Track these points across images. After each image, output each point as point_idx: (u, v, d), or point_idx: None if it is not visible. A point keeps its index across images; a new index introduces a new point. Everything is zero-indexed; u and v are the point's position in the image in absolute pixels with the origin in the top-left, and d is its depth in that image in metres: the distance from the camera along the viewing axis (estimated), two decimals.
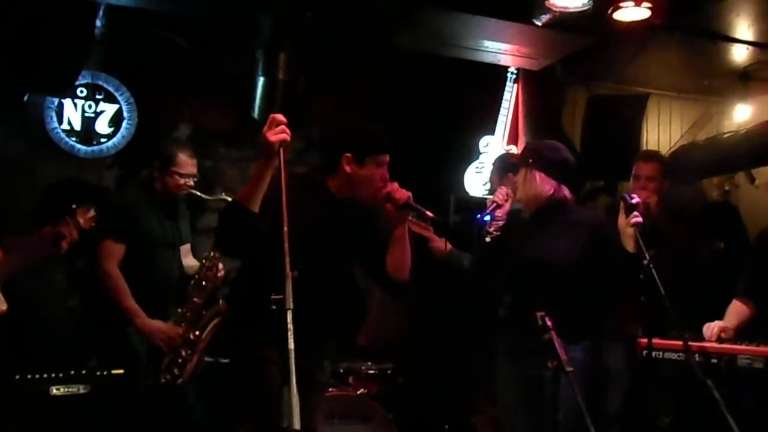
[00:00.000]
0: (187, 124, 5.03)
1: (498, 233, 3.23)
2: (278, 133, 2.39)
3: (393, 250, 2.81)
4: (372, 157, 2.73)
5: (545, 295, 3.05)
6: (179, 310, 3.89)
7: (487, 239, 3.23)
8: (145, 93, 4.87)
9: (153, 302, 3.80)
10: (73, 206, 3.17)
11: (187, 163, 3.93)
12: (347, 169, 2.71)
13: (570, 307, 3.09)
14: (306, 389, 1.95)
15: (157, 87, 4.84)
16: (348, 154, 2.71)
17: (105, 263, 3.71)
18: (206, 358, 4.02)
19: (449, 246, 4.28)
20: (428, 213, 2.72)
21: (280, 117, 2.41)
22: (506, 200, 3.26)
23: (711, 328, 3.34)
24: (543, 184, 3.22)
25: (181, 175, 3.90)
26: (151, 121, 4.89)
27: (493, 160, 4.93)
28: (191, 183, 3.95)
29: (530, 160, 3.23)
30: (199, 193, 3.95)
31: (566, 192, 3.26)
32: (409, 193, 2.76)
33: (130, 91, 4.84)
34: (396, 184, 2.76)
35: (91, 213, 3.22)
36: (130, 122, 4.83)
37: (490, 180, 4.83)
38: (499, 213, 3.24)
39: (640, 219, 3.09)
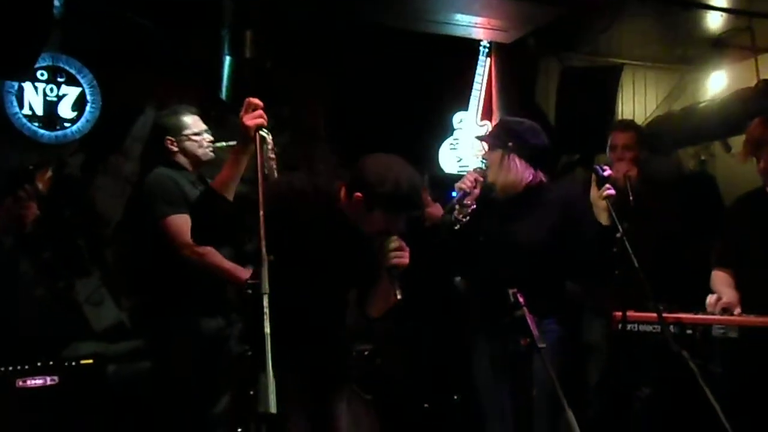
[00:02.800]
0: (153, 106, 5.01)
1: (467, 220, 3.21)
2: (254, 117, 2.38)
3: (373, 294, 2.74)
4: (383, 212, 2.57)
5: (517, 275, 3.07)
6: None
7: (456, 227, 3.22)
8: (109, 75, 4.83)
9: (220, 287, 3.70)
10: (30, 167, 3.14)
11: (195, 122, 3.85)
12: (351, 205, 2.60)
13: (542, 284, 3.14)
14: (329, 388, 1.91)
15: (120, 69, 4.81)
16: (360, 195, 2.56)
17: (183, 237, 3.40)
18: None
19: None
20: (398, 293, 2.58)
21: (256, 101, 2.41)
22: (475, 186, 3.21)
23: (715, 305, 3.29)
24: (523, 172, 3.22)
25: (197, 134, 3.86)
26: (115, 105, 4.87)
27: (471, 140, 4.96)
28: (209, 137, 3.84)
29: (509, 144, 3.21)
30: (224, 143, 3.75)
31: (542, 176, 3.28)
32: (406, 263, 2.61)
33: (92, 74, 4.80)
34: (401, 245, 2.61)
35: (49, 174, 3.18)
36: (93, 106, 4.81)
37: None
38: (468, 200, 3.21)
39: (612, 191, 3.13)
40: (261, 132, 2.40)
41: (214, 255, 3.57)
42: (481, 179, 3.25)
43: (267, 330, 1.97)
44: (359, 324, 2.84)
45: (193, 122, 3.84)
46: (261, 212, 2.12)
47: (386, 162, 2.58)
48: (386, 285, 2.64)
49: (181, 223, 3.49)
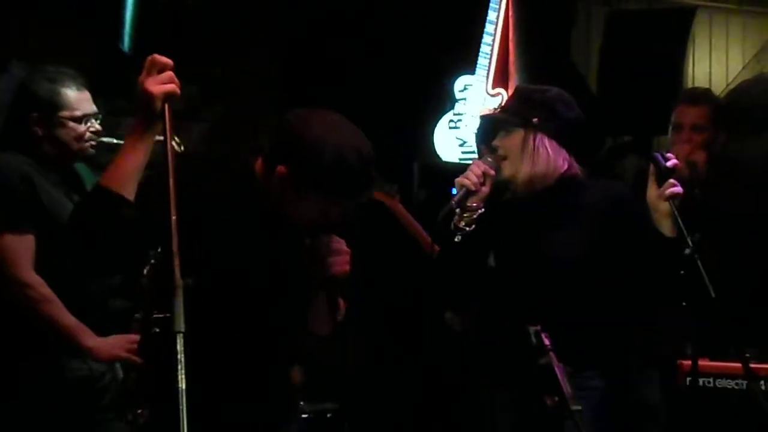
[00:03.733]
0: (22, 61, 4.99)
1: (472, 229, 3.21)
2: (162, 82, 2.33)
3: (314, 314, 2.77)
4: (320, 195, 2.57)
5: (543, 306, 3.09)
6: (135, 315, 3.80)
7: (456, 238, 3.23)
8: None
9: (85, 316, 3.74)
10: None
11: (81, 100, 3.77)
12: (276, 185, 2.57)
13: (581, 319, 3.16)
14: None
15: None
16: (284, 169, 2.53)
17: (16, 270, 3.47)
18: None
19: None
20: (342, 307, 2.64)
21: (163, 59, 2.36)
22: (483, 182, 3.21)
23: None
24: (556, 158, 3.23)
25: (78, 119, 3.79)
26: None
27: (477, 117, 4.99)
28: (96, 126, 3.78)
29: (534, 120, 3.23)
30: (114, 140, 3.75)
31: (577, 165, 3.30)
32: (346, 270, 2.66)
33: None
34: (340, 246, 2.66)
35: None
36: None
37: (478, 150, 4.89)
38: (473, 202, 3.21)
39: (679, 189, 3.13)
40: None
41: (54, 305, 3.53)
42: (492, 173, 3.25)
43: (182, 385, 1.95)
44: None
45: (77, 100, 3.76)
46: (173, 217, 2.09)
47: (322, 122, 2.55)
48: (323, 303, 2.68)
49: (17, 246, 3.49)
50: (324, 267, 2.63)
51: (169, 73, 2.34)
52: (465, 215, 3.23)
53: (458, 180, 3.26)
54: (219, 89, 5.36)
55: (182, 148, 3.12)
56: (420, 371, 5.14)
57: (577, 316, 3.16)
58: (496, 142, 3.32)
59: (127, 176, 2.38)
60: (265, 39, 5.54)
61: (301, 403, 4.57)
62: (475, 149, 5.61)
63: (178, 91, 2.34)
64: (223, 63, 5.23)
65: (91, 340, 3.56)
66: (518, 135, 3.25)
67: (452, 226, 3.24)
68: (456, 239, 3.24)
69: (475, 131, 4.69)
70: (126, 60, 4.72)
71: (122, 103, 5.00)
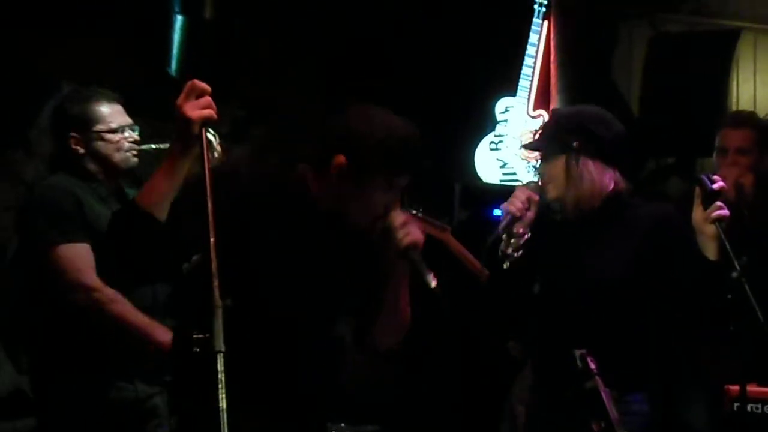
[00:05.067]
0: (70, 81, 5.01)
1: (519, 255, 3.17)
2: (200, 107, 2.32)
3: (384, 304, 2.72)
4: (381, 175, 2.59)
5: (590, 326, 3.07)
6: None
7: (505, 265, 3.19)
8: (12, 36, 4.86)
9: None
10: None
11: (114, 113, 3.81)
12: (335, 176, 2.59)
13: (626, 342, 3.13)
14: None
15: (24, 27, 4.83)
16: (339, 160, 2.56)
17: (79, 275, 3.47)
18: None
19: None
20: (432, 280, 2.57)
21: (202, 85, 2.35)
22: (528, 207, 3.18)
23: None
24: (601, 178, 3.20)
25: (114, 131, 3.82)
26: (19, 79, 4.88)
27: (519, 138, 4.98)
28: (135, 136, 3.80)
29: (574, 144, 3.19)
30: (153, 145, 3.80)
31: (623, 181, 3.26)
32: (420, 237, 2.62)
33: None
34: (407, 218, 2.64)
35: None
36: None
37: None
38: (519, 228, 3.18)
39: (725, 212, 3.07)
40: (208, 131, 2.35)
41: (122, 304, 3.53)
42: (536, 198, 3.22)
43: (223, 404, 1.93)
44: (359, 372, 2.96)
45: (110, 113, 3.80)
46: (212, 239, 2.07)
47: (365, 110, 2.63)
48: (395, 292, 2.69)
49: (76, 255, 3.50)
50: (398, 240, 2.59)
51: (208, 99, 2.35)
52: (512, 241, 3.20)
53: (504, 206, 3.23)
54: (265, 111, 5.36)
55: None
56: (461, 394, 5.08)
57: (622, 338, 3.12)
58: (540, 168, 3.31)
59: (159, 197, 2.40)
60: (309, 62, 5.54)
61: (342, 424, 4.55)
62: (516, 170, 5.62)
63: (215, 116, 2.35)
64: (270, 85, 5.23)
65: (165, 335, 3.51)
66: (560, 161, 3.22)
67: (500, 252, 3.21)
68: (504, 266, 3.21)
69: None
70: (173, 82, 4.73)
71: (168, 124, 5.03)
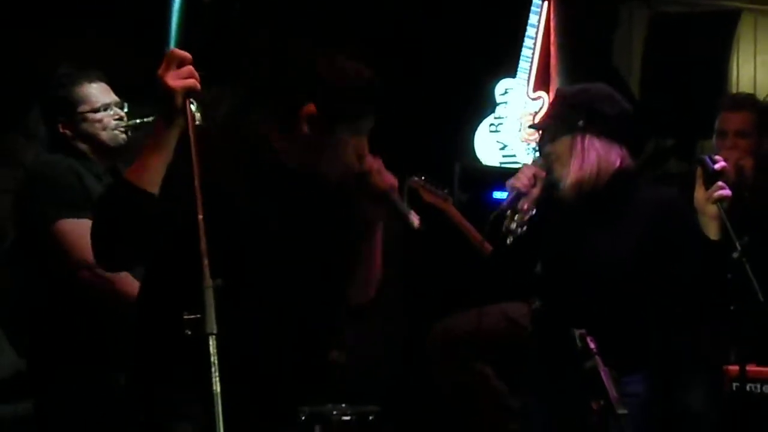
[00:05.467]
0: (71, 67, 5.00)
1: (523, 231, 3.18)
2: (181, 76, 2.28)
3: (362, 258, 2.73)
4: (348, 120, 2.60)
5: (590, 306, 3.07)
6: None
7: (508, 240, 3.19)
8: (8, 22, 4.84)
9: None
10: None
11: (96, 92, 3.79)
12: (305, 129, 2.58)
13: (626, 323, 3.13)
14: None
15: (25, 17, 4.82)
16: (310, 109, 2.56)
17: (84, 253, 3.22)
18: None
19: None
20: (414, 219, 2.61)
21: (182, 53, 2.30)
22: (533, 185, 3.19)
23: None
24: (608, 155, 3.21)
25: (97, 110, 3.81)
26: (16, 63, 4.86)
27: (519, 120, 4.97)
28: (120, 113, 3.75)
29: (580, 123, 3.19)
30: (138, 120, 3.69)
31: (629, 159, 3.27)
32: (395, 180, 2.66)
33: None
34: (379, 163, 2.66)
35: None
36: None
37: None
38: (524, 204, 3.19)
39: (727, 192, 3.06)
40: (191, 102, 2.32)
41: (128, 283, 3.44)
42: (543, 174, 3.23)
43: (216, 388, 1.91)
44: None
45: (92, 93, 3.77)
46: (200, 216, 2.04)
47: (329, 59, 2.64)
48: (371, 244, 2.69)
49: (81, 231, 3.33)
50: (375, 184, 2.62)
51: (189, 68, 2.30)
52: (516, 217, 3.21)
53: (509, 182, 3.25)
54: (266, 92, 5.35)
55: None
56: None
57: (622, 319, 3.13)
58: (547, 148, 3.29)
59: (149, 170, 2.36)
60: (309, 43, 5.52)
61: (343, 405, 4.54)
62: (515, 152, 5.61)
63: (198, 85, 2.30)
64: (270, 68, 5.20)
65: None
66: (566, 139, 3.23)
67: (504, 228, 3.21)
68: (508, 241, 3.21)
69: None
70: None
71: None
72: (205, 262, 2.00)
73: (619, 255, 3.18)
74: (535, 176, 3.22)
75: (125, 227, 2.36)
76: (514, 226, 3.20)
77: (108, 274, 3.40)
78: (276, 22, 5.35)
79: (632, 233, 3.19)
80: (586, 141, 3.19)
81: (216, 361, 1.91)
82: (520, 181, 3.20)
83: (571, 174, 3.20)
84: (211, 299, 1.97)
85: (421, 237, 2.67)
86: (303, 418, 4.38)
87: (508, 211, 3.21)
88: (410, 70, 5.45)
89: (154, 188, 2.35)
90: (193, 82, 2.29)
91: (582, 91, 3.33)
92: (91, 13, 4.97)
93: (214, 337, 1.93)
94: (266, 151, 2.60)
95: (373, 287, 2.77)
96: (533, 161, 3.35)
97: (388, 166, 2.75)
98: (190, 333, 1.95)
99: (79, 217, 3.46)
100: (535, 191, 3.21)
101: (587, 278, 3.18)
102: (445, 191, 4.74)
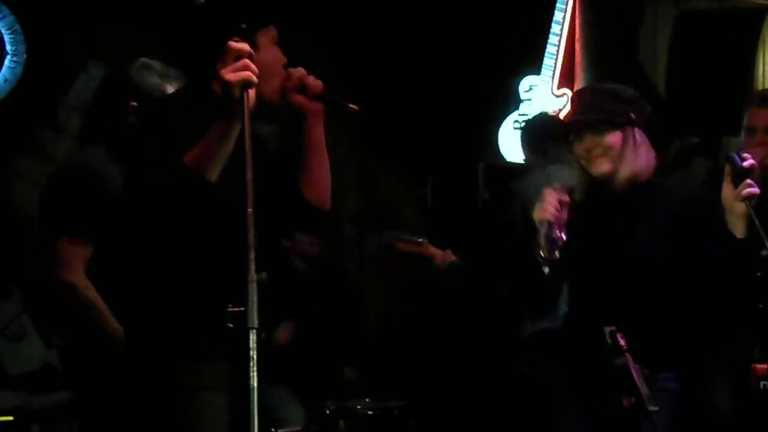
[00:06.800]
0: (98, 61, 5.02)
1: (557, 258, 3.14)
2: (236, 69, 2.34)
3: (308, 161, 2.80)
4: (265, 32, 2.68)
5: (622, 302, 3.05)
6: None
7: (545, 270, 3.16)
8: (37, 18, 4.86)
9: None
10: None
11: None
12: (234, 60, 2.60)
13: (658, 320, 3.11)
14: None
15: (53, 10, 4.84)
16: (233, 39, 2.58)
17: (69, 273, 3.46)
18: None
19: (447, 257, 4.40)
20: (352, 105, 2.72)
21: (239, 45, 2.37)
22: (560, 209, 3.15)
23: None
24: (650, 152, 3.23)
25: None
26: (46, 58, 4.88)
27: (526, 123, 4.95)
28: None
29: (633, 116, 3.19)
30: None
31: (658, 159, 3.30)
32: (320, 84, 2.77)
33: (14, 15, 4.83)
34: (301, 70, 2.76)
35: None
36: (15, 59, 4.84)
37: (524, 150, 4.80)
38: (555, 232, 3.14)
39: (756, 190, 3.02)
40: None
41: (102, 316, 3.46)
42: (567, 199, 3.19)
43: (254, 383, 1.94)
44: None
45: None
46: (249, 210, 2.06)
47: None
48: (317, 151, 2.79)
49: (73, 256, 3.45)
50: (311, 86, 2.72)
51: (245, 61, 2.35)
52: (549, 247, 3.17)
53: (537, 217, 3.17)
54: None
55: None
56: (485, 368, 5.08)
57: (652, 316, 3.11)
58: (588, 143, 3.26)
59: (210, 159, 2.41)
60: (330, 41, 5.52)
61: (367, 399, 4.56)
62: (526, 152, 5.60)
63: (254, 78, 2.35)
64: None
65: (115, 322, 3.43)
66: (617, 133, 3.20)
67: (539, 257, 3.16)
68: (545, 270, 3.17)
69: (527, 136, 4.71)
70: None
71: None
72: (251, 256, 2.00)
73: (654, 249, 3.16)
74: (560, 202, 3.17)
75: (180, 210, 2.42)
76: (548, 254, 3.15)
77: (87, 302, 3.43)
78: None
79: (663, 229, 3.18)
80: (637, 134, 3.20)
81: (255, 356, 1.92)
82: (548, 212, 3.15)
83: (627, 166, 3.19)
84: (254, 294, 1.98)
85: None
86: (328, 412, 4.42)
87: (542, 242, 3.15)
88: (434, 67, 5.46)
89: (210, 174, 2.40)
90: (249, 75, 2.33)
91: (624, 87, 3.33)
92: (120, 6, 4.98)
93: (255, 331, 1.94)
94: (209, 93, 2.61)
95: (326, 193, 2.84)
96: (551, 187, 3.25)
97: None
98: (231, 325, 1.97)
99: (79, 235, 3.46)
100: (564, 215, 3.17)
101: (624, 273, 3.16)
102: (417, 238, 4.76)
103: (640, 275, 3.15)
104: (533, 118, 5.20)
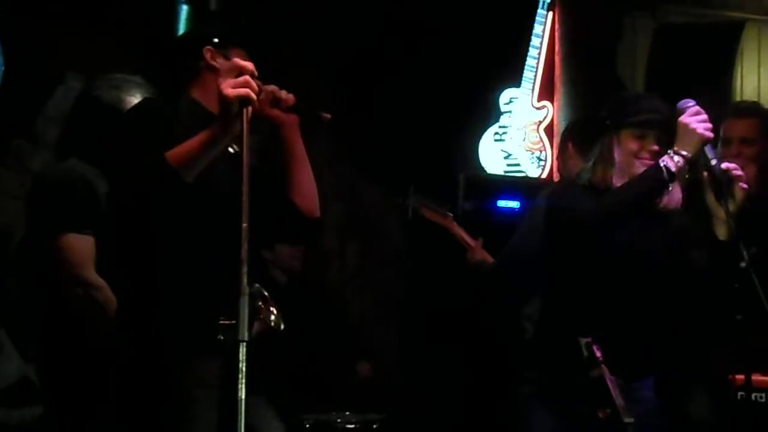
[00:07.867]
0: (76, 73, 5.02)
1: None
2: (236, 85, 2.36)
3: (293, 170, 2.87)
4: (236, 46, 2.82)
5: (618, 310, 3.11)
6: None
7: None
8: (17, 28, 4.84)
9: None
10: None
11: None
12: (215, 65, 2.77)
13: (643, 329, 3.16)
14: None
15: (32, 22, 4.84)
16: (209, 48, 2.79)
17: (80, 270, 3.48)
18: None
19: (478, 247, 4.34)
20: (324, 114, 2.80)
21: (243, 63, 2.41)
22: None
23: None
24: None
25: None
26: (24, 69, 4.87)
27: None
28: None
29: None
30: None
31: None
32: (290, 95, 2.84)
33: None
34: (272, 86, 2.82)
35: None
36: None
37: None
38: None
39: (744, 185, 3.18)
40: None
41: (109, 290, 3.48)
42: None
43: (242, 394, 1.95)
44: None
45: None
46: (244, 224, 2.08)
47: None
48: (301, 161, 2.86)
49: (82, 249, 3.47)
50: (284, 99, 2.78)
51: (246, 77, 2.38)
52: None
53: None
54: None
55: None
56: (465, 381, 5.09)
57: (642, 324, 3.16)
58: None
59: (190, 159, 2.46)
60: (317, 56, 5.54)
61: (347, 413, 4.57)
62: (520, 161, 5.61)
63: (252, 95, 2.36)
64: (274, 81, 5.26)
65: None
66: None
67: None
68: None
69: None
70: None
71: None
72: (244, 269, 2.02)
73: (669, 252, 3.25)
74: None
75: (150, 198, 2.50)
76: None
77: (101, 298, 3.43)
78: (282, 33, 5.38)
79: (668, 229, 3.26)
80: None
81: (244, 368, 1.93)
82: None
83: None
84: (246, 307, 1.98)
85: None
86: (307, 426, 4.44)
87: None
88: (415, 79, 5.46)
89: (187, 175, 2.45)
90: (247, 92, 2.35)
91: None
92: (99, 19, 4.98)
93: (245, 344, 1.95)
94: (197, 108, 2.75)
95: (315, 201, 2.91)
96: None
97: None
98: (221, 337, 1.99)
99: (82, 232, 3.48)
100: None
101: (644, 278, 3.21)
102: (446, 208, 4.76)
103: (653, 281, 3.21)
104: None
